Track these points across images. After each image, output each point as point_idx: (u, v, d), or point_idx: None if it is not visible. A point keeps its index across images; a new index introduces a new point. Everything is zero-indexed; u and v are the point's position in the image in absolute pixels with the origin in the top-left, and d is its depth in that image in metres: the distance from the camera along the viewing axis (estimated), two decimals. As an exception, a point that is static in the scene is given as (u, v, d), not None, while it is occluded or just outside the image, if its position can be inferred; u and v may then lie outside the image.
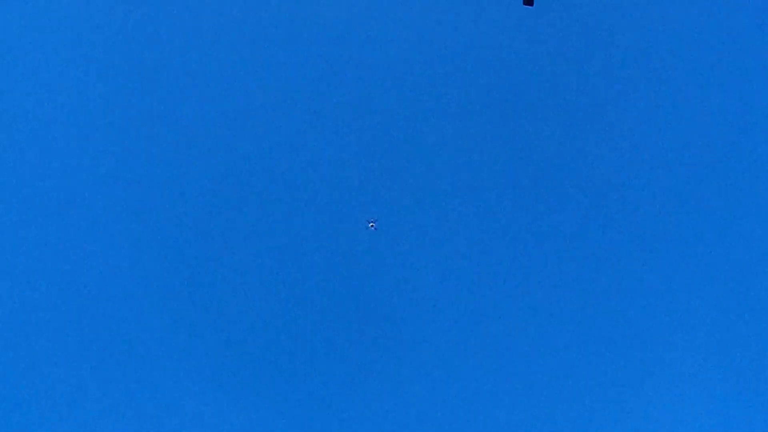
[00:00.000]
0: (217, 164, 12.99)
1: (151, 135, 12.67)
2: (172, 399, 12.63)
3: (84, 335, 12.64)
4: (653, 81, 12.91)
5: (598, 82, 13.02)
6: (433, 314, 13.01)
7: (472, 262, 13.17)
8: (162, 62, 12.80)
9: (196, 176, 12.95)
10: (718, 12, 12.47)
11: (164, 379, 12.61)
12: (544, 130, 12.93)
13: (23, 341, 12.48)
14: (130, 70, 12.86)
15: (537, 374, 12.83)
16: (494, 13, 12.75)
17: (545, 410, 12.88)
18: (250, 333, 12.94)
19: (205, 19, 13.00)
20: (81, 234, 12.68)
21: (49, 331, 12.57)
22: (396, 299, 13.07)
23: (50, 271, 12.67)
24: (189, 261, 12.93)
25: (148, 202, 12.85)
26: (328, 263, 12.92)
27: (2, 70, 12.63)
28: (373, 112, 13.01)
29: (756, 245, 12.64)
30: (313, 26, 12.80)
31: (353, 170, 12.84)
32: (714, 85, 12.64)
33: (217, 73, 12.90)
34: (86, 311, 12.70)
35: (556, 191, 12.97)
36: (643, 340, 12.83)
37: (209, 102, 13.06)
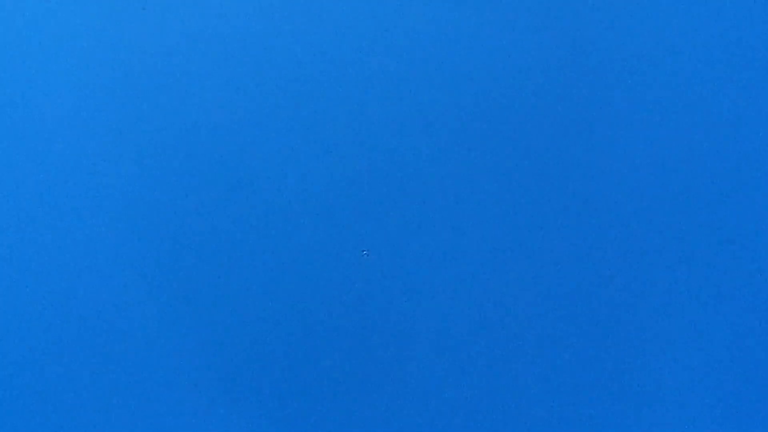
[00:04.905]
0: (216, 170, 13.15)
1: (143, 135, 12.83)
2: (170, 400, 12.72)
3: (83, 335, 12.76)
4: (654, 81, 13.09)
5: (599, 82, 13.22)
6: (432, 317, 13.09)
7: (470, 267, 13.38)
8: (161, 60, 12.98)
9: (195, 178, 13.09)
10: (718, 12, 12.72)
11: (161, 381, 12.67)
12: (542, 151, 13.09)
13: (19, 341, 12.62)
14: (129, 68, 13.07)
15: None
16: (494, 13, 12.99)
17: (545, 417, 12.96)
18: (251, 335, 13.01)
19: (205, 20, 13.12)
20: (77, 233, 12.81)
21: (47, 330, 12.69)
22: (398, 297, 13.23)
23: (47, 270, 12.84)
24: (188, 262, 13.08)
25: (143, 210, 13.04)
26: (329, 265, 13.00)
27: (2, 70, 12.79)
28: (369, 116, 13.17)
29: (757, 245, 12.85)
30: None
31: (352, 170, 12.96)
32: (715, 85, 12.89)
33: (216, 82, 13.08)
34: (84, 310, 12.79)
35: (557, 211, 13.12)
36: (647, 342, 12.94)
37: (208, 108, 13.24)
